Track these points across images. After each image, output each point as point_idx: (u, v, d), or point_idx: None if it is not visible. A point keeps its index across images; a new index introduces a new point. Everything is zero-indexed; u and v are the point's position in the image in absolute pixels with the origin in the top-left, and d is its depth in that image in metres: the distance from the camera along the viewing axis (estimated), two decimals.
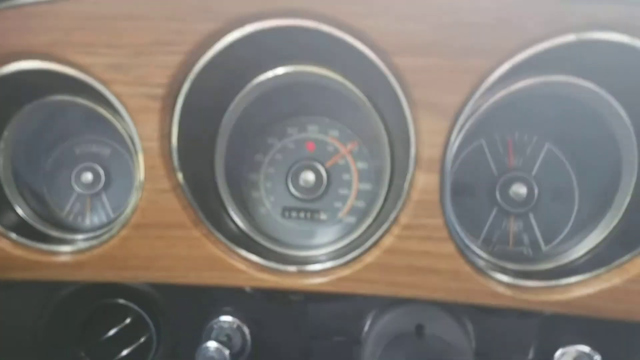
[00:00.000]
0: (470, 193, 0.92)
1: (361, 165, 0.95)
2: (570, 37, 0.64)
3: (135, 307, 1.02)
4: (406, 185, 0.72)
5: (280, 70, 0.83)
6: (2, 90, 0.77)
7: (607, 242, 0.80)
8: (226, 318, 0.95)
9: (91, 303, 1.02)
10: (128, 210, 0.77)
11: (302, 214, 0.95)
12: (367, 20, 0.66)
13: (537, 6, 0.64)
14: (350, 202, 0.94)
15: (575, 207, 0.89)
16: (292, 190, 0.94)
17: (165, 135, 0.73)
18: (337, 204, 0.95)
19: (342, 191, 0.95)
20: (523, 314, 0.87)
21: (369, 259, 0.74)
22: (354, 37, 0.68)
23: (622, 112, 0.77)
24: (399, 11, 0.65)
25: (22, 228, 0.87)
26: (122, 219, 0.77)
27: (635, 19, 0.63)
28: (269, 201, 0.96)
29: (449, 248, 0.72)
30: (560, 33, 0.64)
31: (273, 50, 0.77)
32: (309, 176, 0.93)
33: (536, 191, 0.89)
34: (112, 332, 1.01)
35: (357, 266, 0.75)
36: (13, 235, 0.80)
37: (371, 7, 0.66)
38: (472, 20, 0.64)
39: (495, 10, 0.64)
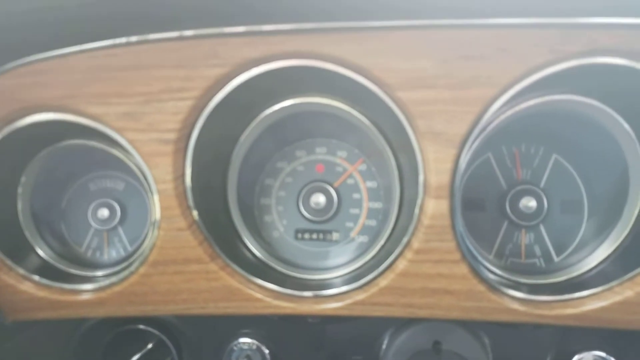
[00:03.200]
0: (481, 207, 0.93)
1: (370, 184, 0.96)
2: (571, 64, 0.64)
3: (157, 332, 1.03)
4: (417, 210, 0.73)
5: (287, 102, 0.84)
6: (18, 140, 0.79)
7: (618, 254, 0.81)
8: (246, 339, 0.98)
9: (113, 330, 1.04)
10: (145, 247, 0.78)
11: (314, 235, 0.96)
12: (370, 59, 0.67)
13: (537, 36, 0.64)
14: (361, 221, 0.96)
15: (585, 218, 0.90)
16: (304, 212, 0.96)
17: (179, 177, 0.74)
18: (349, 224, 0.96)
19: (353, 210, 0.96)
20: (538, 325, 0.88)
21: (383, 282, 0.76)
22: (358, 74, 0.69)
23: (627, 127, 0.78)
24: (401, 48, 0.67)
25: (44, 269, 0.89)
26: (140, 256, 0.79)
27: (635, 42, 0.64)
28: (282, 224, 0.97)
29: (462, 269, 0.73)
30: (562, 60, 0.64)
31: (280, 85, 0.79)
32: (319, 198, 0.95)
33: (546, 203, 0.90)
34: (135, 358, 1.03)
35: (372, 290, 0.76)
36: (36, 278, 0.83)
37: (373, 45, 0.67)
38: (474, 53, 0.65)
39: (495, 41, 0.65)
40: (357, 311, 0.77)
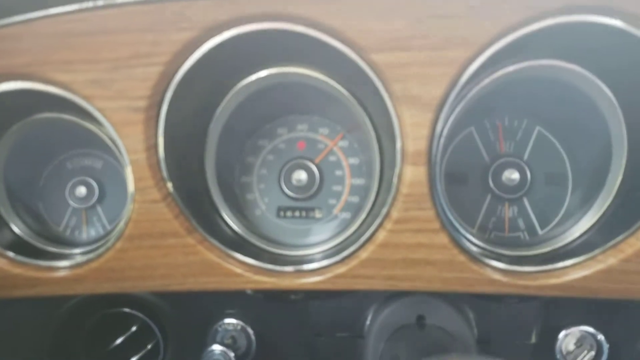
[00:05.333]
0: (463, 181, 0.92)
1: (352, 160, 0.95)
2: (547, 22, 0.63)
3: (141, 315, 1.02)
4: (395, 179, 0.72)
5: (263, 73, 0.83)
6: None
7: (601, 223, 0.80)
8: (230, 320, 0.97)
9: (96, 313, 1.03)
10: (122, 222, 0.77)
11: (297, 213, 0.95)
12: (341, 19, 0.66)
13: None
14: (344, 197, 0.95)
15: (569, 190, 0.89)
16: (286, 190, 0.95)
17: (152, 147, 0.73)
18: (332, 201, 0.95)
19: (336, 187, 0.95)
20: (523, 299, 0.87)
21: (364, 254, 0.75)
22: (330, 36, 0.68)
23: (608, 92, 0.77)
24: (373, 8, 0.65)
25: (20, 246, 0.88)
26: (117, 231, 0.77)
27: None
28: (264, 202, 0.96)
29: (443, 239, 0.72)
30: (537, 19, 0.63)
31: (253, 54, 0.77)
32: (301, 175, 0.94)
33: (529, 175, 0.89)
34: (118, 341, 1.02)
35: (353, 262, 0.75)
36: (11, 254, 0.81)
37: (345, 5, 0.66)
38: (446, 12, 0.64)
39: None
40: (339, 284, 0.76)
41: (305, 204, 0.95)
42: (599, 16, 0.64)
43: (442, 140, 0.74)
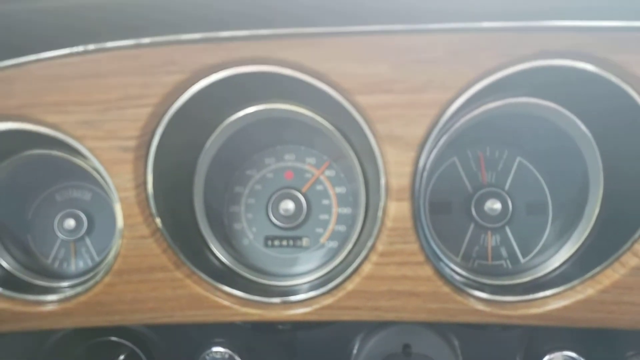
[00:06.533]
0: (447, 210, 0.94)
1: (339, 189, 0.96)
2: (522, 66, 0.66)
3: (128, 344, 1.02)
4: (379, 213, 0.74)
5: (251, 109, 0.85)
6: None
7: (580, 254, 0.82)
8: (218, 349, 0.97)
9: (84, 342, 1.03)
10: (110, 256, 0.78)
11: (284, 242, 0.96)
12: (326, 63, 0.68)
13: (487, 39, 0.66)
14: (331, 226, 0.96)
15: (550, 220, 0.91)
16: (273, 219, 0.96)
17: (141, 184, 0.74)
18: (319, 230, 0.96)
19: (323, 216, 0.96)
20: (507, 326, 0.89)
21: (350, 286, 0.76)
22: (316, 79, 0.70)
23: (584, 128, 0.79)
24: (356, 53, 0.68)
25: (7, 280, 0.88)
26: (105, 265, 0.78)
27: (581, 45, 0.66)
28: (252, 232, 0.97)
29: (427, 271, 0.74)
30: (513, 63, 0.66)
31: (241, 92, 0.79)
32: (288, 205, 0.95)
33: (510, 205, 0.91)
34: None
35: (340, 294, 0.76)
36: None
37: (329, 50, 0.68)
38: (426, 57, 0.66)
39: (446, 45, 0.66)
40: (326, 316, 0.77)
41: (292, 233, 0.96)
42: (572, 60, 0.67)
43: (425, 173, 0.77)
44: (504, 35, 0.66)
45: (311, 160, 0.97)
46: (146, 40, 0.68)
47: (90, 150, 0.72)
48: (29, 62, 0.70)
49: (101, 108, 0.70)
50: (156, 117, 0.72)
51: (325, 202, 0.96)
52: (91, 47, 0.69)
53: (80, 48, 0.69)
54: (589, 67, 0.67)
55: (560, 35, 0.66)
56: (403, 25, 0.67)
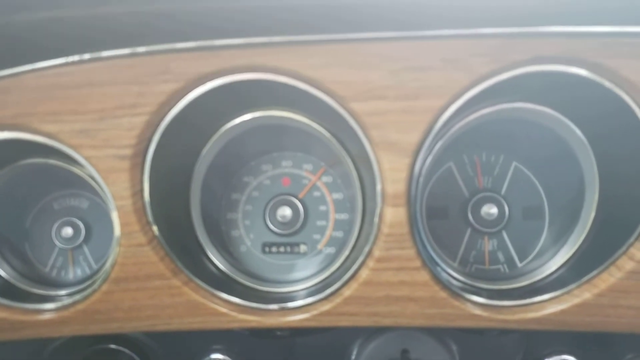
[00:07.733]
0: (444, 216, 0.94)
1: (336, 195, 0.97)
2: (515, 72, 0.66)
3: (127, 351, 1.02)
4: (376, 219, 0.74)
5: (247, 116, 0.85)
6: None
7: (576, 258, 0.83)
8: (217, 355, 0.97)
9: (82, 350, 1.02)
10: (107, 264, 0.78)
11: (282, 249, 0.96)
12: (321, 71, 0.68)
13: (480, 46, 0.67)
14: (328, 232, 0.96)
15: (546, 224, 0.91)
16: (271, 226, 0.96)
17: (137, 193, 0.74)
18: (316, 236, 0.96)
19: (320, 222, 0.97)
20: (505, 330, 0.89)
21: (347, 292, 0.76)
22: (311, 86, 0.70)
23: (579, 133, 0.80)
24: (350, 61, 0.68)
25: (5, 289, 0.88)
26: (103, 273, 0.78)
27: (575, 51, 0.66)
28: (249, 238, 0.97)
29: (424, 276, 0.74)
30: (506, 69, 0.66)
31: (237, 100, 0.80)
32: (285, 211, 0.95)
33: (507, 210, 0.91)
34: None
35: (337, 300, 0.76)
36: None
37: (323, 58, 0.68)
38: (420, 64, 0.67)
39: (440, 52, 0.67)
40: (324, 322, 0.77)
41: (290, 240, 0.97)
42: (565, 66, 0.68)
43: (422, 179, 0.77)
44: (497, 41, 0.67)
45: (308, 166, 0.97)
46: (141, 49, 0.69)
47: (87, 158, 0.72)
48: (24, 72, 0.71)
49: (97, 117, 0.70)
50: (152, 125, 0.72)
51: (323, 208, 0.97)
52: (86, 56, 0.70)
53: (76, 57, 0.70)
54: (583, 72, 0.68)
55: (553, 40, 0.66)
56: (397, 33, 0.67)
